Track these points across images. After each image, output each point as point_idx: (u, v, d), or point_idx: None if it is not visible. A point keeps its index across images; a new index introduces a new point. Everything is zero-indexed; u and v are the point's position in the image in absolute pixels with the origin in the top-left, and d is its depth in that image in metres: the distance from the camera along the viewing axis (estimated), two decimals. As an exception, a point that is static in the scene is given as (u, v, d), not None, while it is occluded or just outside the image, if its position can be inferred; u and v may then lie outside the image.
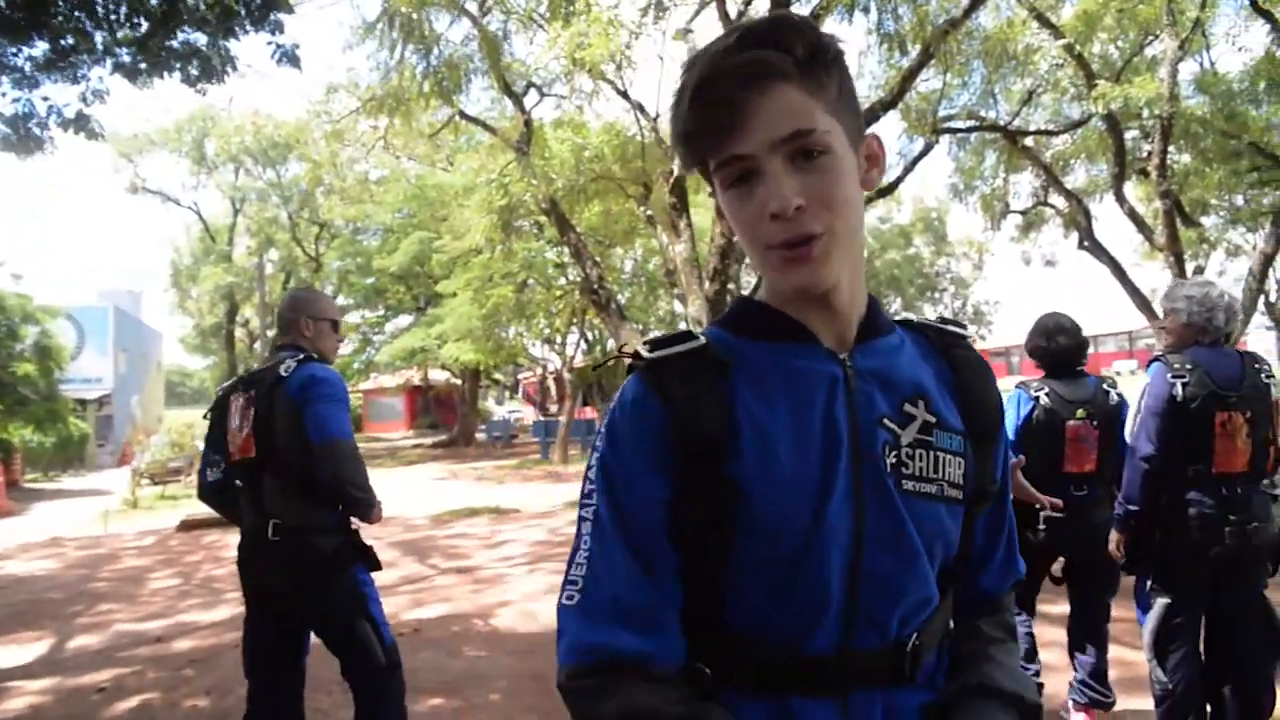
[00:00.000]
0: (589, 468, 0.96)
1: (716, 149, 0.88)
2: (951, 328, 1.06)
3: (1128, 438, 3.07)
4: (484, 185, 16.27)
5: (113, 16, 5.98)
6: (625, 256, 23.76)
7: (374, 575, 2.89)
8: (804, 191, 0.85)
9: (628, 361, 0.97)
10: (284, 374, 2.73)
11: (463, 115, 14.24)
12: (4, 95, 6.43)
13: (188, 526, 11.46)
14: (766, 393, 0.91)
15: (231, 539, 10.27)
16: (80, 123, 6.51)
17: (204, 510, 12.81)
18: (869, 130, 0.96)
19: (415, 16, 7.52)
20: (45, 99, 6.67)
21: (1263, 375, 2.91)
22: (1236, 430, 2.85)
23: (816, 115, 0.87)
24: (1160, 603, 3.00)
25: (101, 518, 13.25)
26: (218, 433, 2.93)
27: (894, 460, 0.91)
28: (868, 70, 17.90)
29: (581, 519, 0.94)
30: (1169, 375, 2.89)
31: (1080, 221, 16.14)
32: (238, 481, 2.86)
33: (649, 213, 13.41)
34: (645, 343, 0.97)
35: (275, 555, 2.75)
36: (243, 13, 6.09)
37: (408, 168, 25.97)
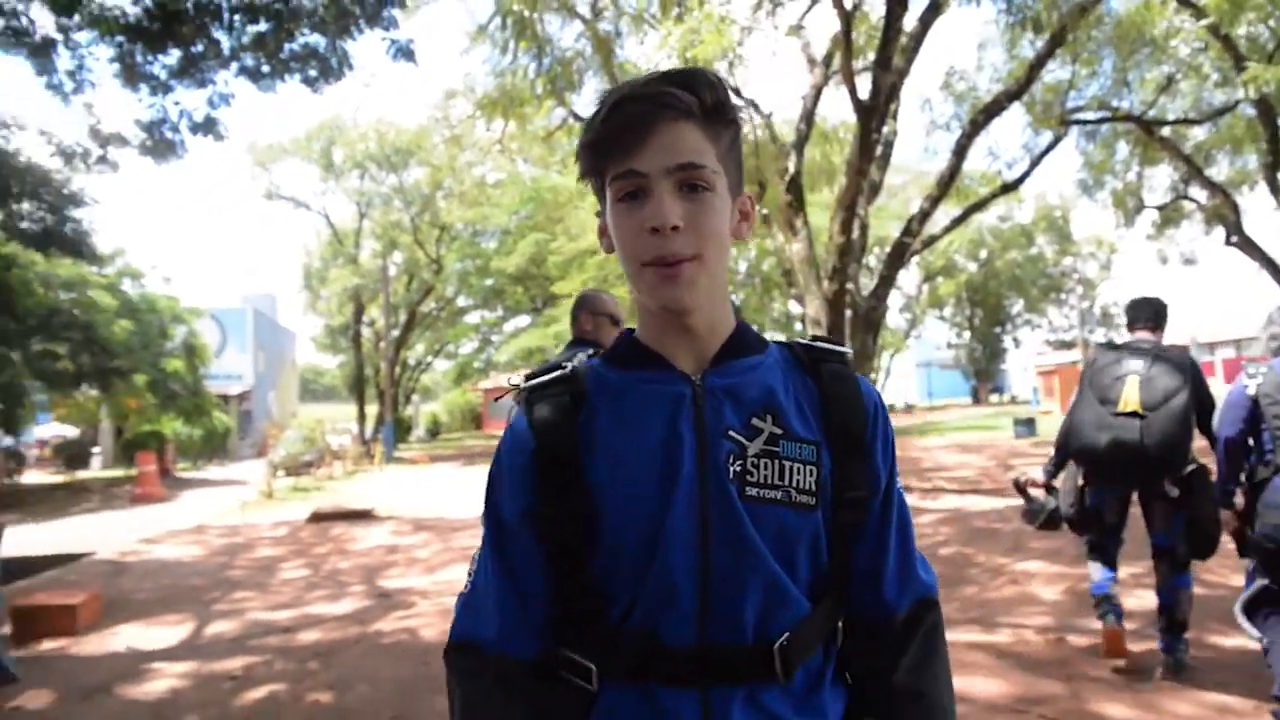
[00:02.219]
0: None
1: (617, 161, 0.99)
2: (821, 344, 1.13)
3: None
4: (598, 186, 16.39)
5: (235, 21, 6.26)
6: (739, 257, 23.55)
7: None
8: (684, 216, 0.97)
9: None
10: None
11: (575, 116, 14.36)
12: (141, 102, 6.82)
13: (317, 518, 12.00)
14: (620, 414, 1.04)
15: (357, 532, 10.77)
16: (208, 126, 6.86)
17: (331, 503, 13.46)
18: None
19: (527, 15, 7.60)
20: (176, 104, 7.06)
21: None
22: None
23: (708, 156, 0.99)
24: (1258, 581, 3.41)
25: (240, 508, 14.02)
26: None
27: (739, 469, 1.00)
28: (988, 63, 17.18)
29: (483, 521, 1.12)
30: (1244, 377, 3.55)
31: (1228, 216, 15.05)
32: None
33: (764, 211, 13.23)
34: (525, 374, 1.13)
35: None
36: (358, 11, 6.28)
37: (523, 171, 26.46)
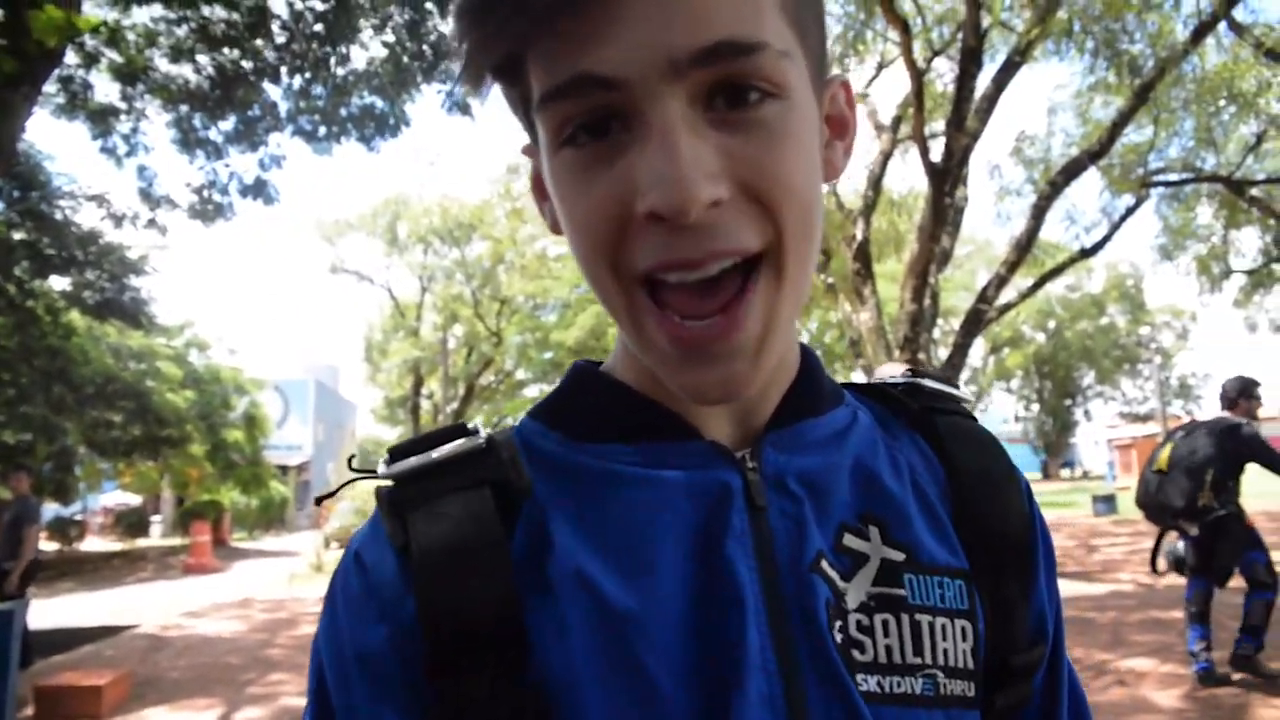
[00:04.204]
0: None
1: (554, 57, 0.44)
2: (932, 384, 0.63)
3: None
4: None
5: (295, 88, 6.22)
6: (800, 330, 23.22)
7: None
8: (729, 168, 0.43)
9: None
10: None
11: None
12: (193, 165, 6.78)
13: (364, 594, 11.64)
14: (602, 533, 0.51)
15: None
16: (258, 188, 6.76)
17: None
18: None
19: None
20: (227, 165, 7.00)
21: None
22: None
23: (766, 17, 0.44)
24: None
25: (288, 580, 13.75)
26: None
27: (841, 637, 0.51)
28: (1059, 128, 16.67)
29: None
30: None
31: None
32: None
33: (829, 280, 12.82)
34: (390, 448, 0.54)
35: None
36: (416, 68, 6.19)
37: (584, 243, 26.59)
